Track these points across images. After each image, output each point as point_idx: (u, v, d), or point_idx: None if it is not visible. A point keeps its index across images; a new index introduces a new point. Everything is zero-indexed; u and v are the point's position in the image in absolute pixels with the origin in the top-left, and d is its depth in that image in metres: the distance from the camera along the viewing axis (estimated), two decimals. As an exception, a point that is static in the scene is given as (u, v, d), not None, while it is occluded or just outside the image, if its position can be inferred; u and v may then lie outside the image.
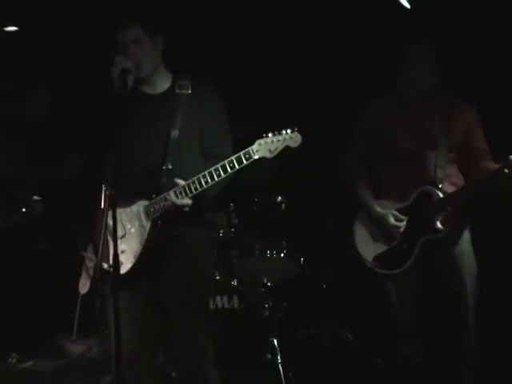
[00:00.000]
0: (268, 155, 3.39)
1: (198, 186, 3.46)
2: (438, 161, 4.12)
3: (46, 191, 6.77)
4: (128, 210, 3.60)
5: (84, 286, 3.74)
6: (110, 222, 3.42)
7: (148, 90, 3.76)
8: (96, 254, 3.39)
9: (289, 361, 5.29)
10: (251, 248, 5.66)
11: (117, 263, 3.16)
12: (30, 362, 6.04)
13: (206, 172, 3.44)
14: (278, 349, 5.30)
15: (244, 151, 3.40)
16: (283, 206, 5.77)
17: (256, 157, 3.39)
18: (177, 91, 3.68)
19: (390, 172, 4.24)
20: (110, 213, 3.33)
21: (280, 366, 5.23)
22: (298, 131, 3.42)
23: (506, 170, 3.79)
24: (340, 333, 5.70)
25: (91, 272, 3.67)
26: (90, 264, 3.69)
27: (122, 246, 3.51)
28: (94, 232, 3.51)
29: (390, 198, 4.20)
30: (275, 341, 5.34)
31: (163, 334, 3.86)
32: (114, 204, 3.18)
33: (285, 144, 3.41)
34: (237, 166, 3.41)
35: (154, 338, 3.77)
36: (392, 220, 4.10)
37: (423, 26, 5.02)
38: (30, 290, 6.40)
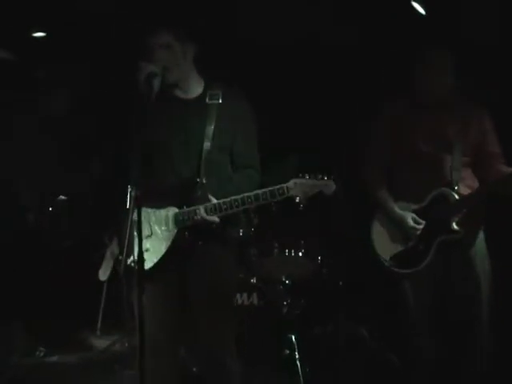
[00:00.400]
0: (300, 196, 3.39)
1: (229, 208, 3.47)
2: (454, 164, 4.10)
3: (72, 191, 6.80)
4: (157, 212, 3.60)
5: (104, 274, 3.80)
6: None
7: (180, 94, 3.73)
8: (121, 248, 3.44)
9: (306, 356, 5.27)
10: (270, 247, 5.68)
11: (141, 259, 3.14)
12: (56, 356, 6.05)
13: (238, 197, 3.44)
14: (295, 345, 5.30)
15: (279, 187, 3.39)
16: (301, 206, 5.75)
17: (289, 194, 3.38)
18: (208, 102, 3.66)
19: (406, 174, 4.21)
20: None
21: (298, 361, 5.22)
22: (333, 180, 3.40)
23: None
24: (355, 330, 5.74)
25: (111, 262, 3.72)
26: (111, 254, 3.73)
27: (146, 245, 3.52)
28: (120, 228, 3.49)
29: (406, 199, 4.17)
30: (293, 337, 5.35)
31: (185, 330, 3.83)
32: (139, 204, 3.15)
33: (319, 190, 3.40)
34: (269, 200, 3.42)
35: (176, 333, 3.75)
36: (411, 222, 4.09)
37: (440, 31, 4.97)
38: (57, 287, 6.42)
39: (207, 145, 3.59)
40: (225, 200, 3.47)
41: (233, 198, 3.46)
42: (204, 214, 3.47)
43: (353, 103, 5.95)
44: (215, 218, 3.49)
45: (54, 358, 6.01)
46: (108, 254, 3.75)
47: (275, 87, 6.12)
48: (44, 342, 6.09)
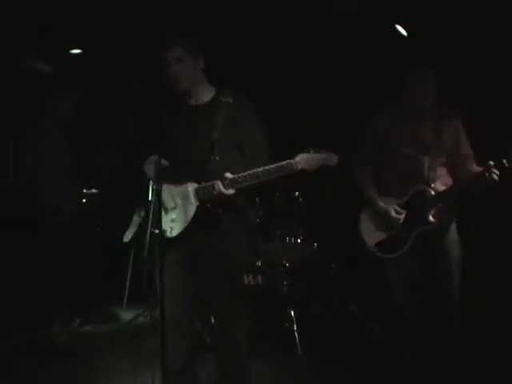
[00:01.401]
0: (308, 168, 3.37)
1: (243, 181, 3.44)
2: (431, 164, 4.12)
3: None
4: (179, 188, 3.59)
5: (127, 236, 3.75)
6: (162, 195, 3.45)
7: (192, 101, 3.74)
8: (146, 218, 3.36)
9: (303, 329, 5.34)
10: (273, 234, 5.77)
11: (162, 243, 3.19)
12: (89, 327, 6.14)
13: (251, 171, 3.43)
14: (294, 319, 5.38)
15: (287, 162, 3.37)
16: (300, 199, 5.84)
17: (298, 167, 3.37)
18: (220, 99, 3.65)
19: (391, 173, 4.24)
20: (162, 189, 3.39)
21: (296, 333, 5.30)
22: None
23: (487, 174, 3.82)
24: (346, 305, 5.80)
25: (136, 227, 3.67)
26: (136, 220, 3.69)
27: (172, 215, 3.57)
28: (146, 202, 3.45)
29: (391, 195, 4.20)
30: (292, 312, 5.42)
31: (200, 304, 3.86)
32: (159, 197, 3.24)
33: (323, 162, 3.39)
34: (279, 173, 3.39)
35: (191, 306, 3.72)
36: (393, 213, 4.12)
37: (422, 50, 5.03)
38: (90, 267, 6.46)
39: (217, 133, 3.57)
40: (240, 174, 3.44)
41: (247, 172, 3.43)
42: (222, 188, 3.44)
43: (348, 111, 5.99)
44: (232, 191, 3.45)
45: (87, 328, 6.10)
46: (134, 219, 3.70)
47: (272, 89, 6.15)
48: (79, 314, 6.17)
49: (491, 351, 4.71)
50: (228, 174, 3.47)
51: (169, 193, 3.57)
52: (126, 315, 6.31)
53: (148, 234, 3.24)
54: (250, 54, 6.10)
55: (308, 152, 3.38)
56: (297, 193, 5.81)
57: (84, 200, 6.78)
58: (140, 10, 5.48)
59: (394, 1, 5.40)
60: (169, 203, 3.59)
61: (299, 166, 3.36)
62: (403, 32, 5.45)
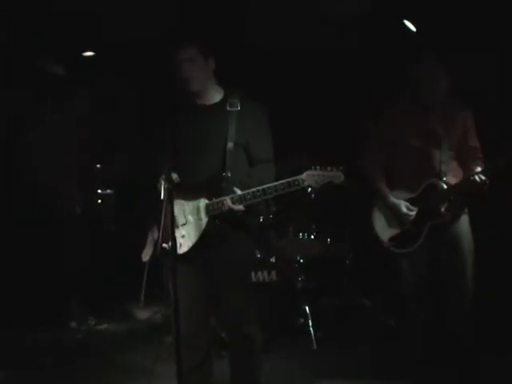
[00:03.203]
0: (314, 185, 3.36)
1: (252, 198, 3.44)
2: (442, 157, 4.11)
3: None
4: (190, 203, 3.59)
5: (146, 256, 3.78)
6: (175, 210, 3.47)
7: (201, 101, 3.71)
8: (158, 234, 3.41)
9: (318, 324, 5.31)
10: (286, 231, 5.74)
11: (174, 243, 3.17)
12: (105, 325, 6.12)
13: (260, 188, 3.43)
14: (309, 314, 5.34)
15: (294, 178, 3.37)
16: (313, 195, 5.81)
17: (304, 185, 3.37)
18: (228, 109, 3.63)
19: (401, 167, 4.22)
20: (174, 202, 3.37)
21: (311, 328, 5.27)
22: (342, 171, 3.37)
23: (472, 178, 3.90)
24: (360, 300, 5.79)
25: (152, 245, 3.69)
26: (152, 239, 3.71)
27: (182, 232, 3.57)
28: (158, 216, 3.47)
29: (401, 189, 4.19)
30: (307, 307, 5.39)
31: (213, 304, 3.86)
32: (171, 195, 3.19)
33: (329, 180, 3.36)
34: (286, 190, 3.39)
35: (206, 307, 3.76)
36: (404, 209, 4.11)
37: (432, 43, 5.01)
38: (105, 265, 6.48)
39: (230, 144, 3.56)
40: (248, 191, 3.44)
41: (255, 188, 3.44)
42: (230, 204, 3.45)
43: (354, 105, 5.96)
44: (241, 207, 3.47)
45: (104, 326, 6.08)
46: (149, 238, 3.73)
47: (281, 90, 6.12)
48: (95, 313, 6.15)
49: (503, 342, 4.69)
50: (237, 190, 3.48)
51: (180, 208, 3.58)
52: (143, 313, 6.30)
53: (158, 250, 3.36)
54: (257, 57, 6.09)
55: (315, 169, 3.37)
56: (309, 189, 5.77)
57: (99, 200, 6.77)
58: (150, 11, 5.49)
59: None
60: (180, 219, 3.59)
61: (306, 183, 3.37)
62: (412, 28, 5.40)
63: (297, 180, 3.37)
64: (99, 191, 6.86)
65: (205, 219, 3.55)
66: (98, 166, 6.79)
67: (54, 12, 5.47)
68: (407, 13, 5.51)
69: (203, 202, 3.56)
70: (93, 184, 6.76)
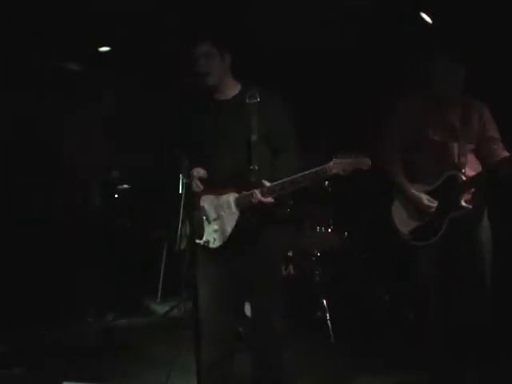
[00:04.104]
0: (342, 173, 3.29)
1: (281, 189, 3.40)
2: (461, 150, 4.08)
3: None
4: (221, 198, 3.57)
5: (182, 245, 3.98)
6: (205, 205, 3.54)
7: (219, 96, 3.69)
8: (188, 229, 3.43)
9: (336, 317, 5.31)
10: (304, 224, 5.75)
11: (193, 239, 3.26)
12: (123, 320, 6.13)
13: (288, 179, 3.37)
14: (326, 308, 5.35)
15: (322, 167, 3.30)
16: (330, 189, 5.79)
17: (331, 173, 3.30)
18: (247, 101, 3.60)
19: (420, 160, 4.18)
20: (204, 197, 3.50)
21: (328, 321, 5.27)
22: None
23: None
24: (378, 293, 5.78)
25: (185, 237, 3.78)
26: (184, 231, 3.78)
27: (215, 226, 3.57)
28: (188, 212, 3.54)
29: (420, 182, 4.15)
30: (324, 301, 5.40)
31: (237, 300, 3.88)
32: (189, 190, 3.25)
33: (357, 166, 3.29)
34: (315, 179, 3.34)
35: (230, 302, 3.70)
36: (426, 201, 4.07)
37: (449, 35, 4.96)
38: (123, 261, 6.47)
39: (254, 138, 3.53)
40: (277, 182, 3.40)
41: (284, 180, 3.38)
42: (260, 197, 3.41)
43: (371, 99, 5.93)
44: (270, 199, 3.42)
45: (122, 321, 6.10)
46: (183, 231, 3.80)
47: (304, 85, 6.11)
48: (113, 308, 6.16)
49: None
50: (266, 182, 3.45)
51: (211, 203, 3.58)
52: (161, 309, 6.32)
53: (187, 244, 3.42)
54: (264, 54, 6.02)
55: (341, 157, 3.31)
56: (326, 182, 5.76)
57: (116, 195, 6.78)
58: (164, 9, 5.47)
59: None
60: (211, 214, 3.59)
61: (333, 171, 3.30)
62: (428, 19, 5.34)
63: (324, 168, 3.31)
64: (117, 186, 6.87)
65: (237, 213, 3.52)
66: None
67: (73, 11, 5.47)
68: (421, 4, 5.46)
69: (233, 196, 3.54)
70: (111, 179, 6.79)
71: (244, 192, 3.50)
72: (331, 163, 3.29)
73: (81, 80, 6.42)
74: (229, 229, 3.54)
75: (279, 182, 3.40)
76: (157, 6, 5.46)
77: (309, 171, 3.35)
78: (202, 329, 3.23)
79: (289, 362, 3.90)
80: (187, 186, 3.31)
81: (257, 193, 3.43)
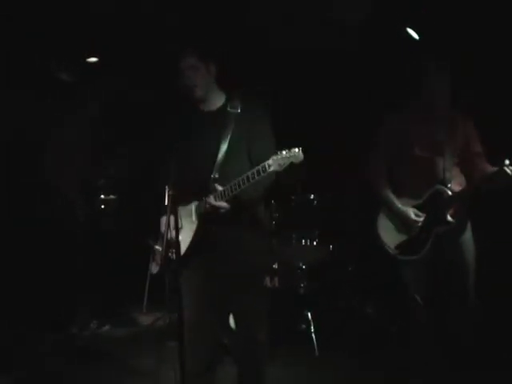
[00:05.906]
0: (278, 169, 3.27)
1: (230, 192, 3.40)
2: (446, 165, 4.08)
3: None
4: (185, 208, 3.58)
5: (154, 269, 3.85)
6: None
7: (204, 107, 3.69)
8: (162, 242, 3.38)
9: (320, 330, 5.26)
10: (289, 237, 5.72)
11: (178, 250, 3.21)
12: (107, 327, 6.09)
13: (235, 181, 3.38)
14: (311, 320, 5.31)
15: (262, 165, 3.29)
16: (315, 202, 5.77)
17: (270, 170, 3.27)
18: (228, 109, 3.61)
19: (406, 174, 4.18)
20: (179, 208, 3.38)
21: (313, 334, 5.23)
22: (303, 151, 3.26)
23: (508, 171, 3.75)
24: (363, 307, 5.74)
25: (158, 258, 3.73)
26: (157, 252, 3.77)
27: (181, 236, 3.50)
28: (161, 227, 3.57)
29: (407, 196, 4.14)
30: (309, 314, 5.34)
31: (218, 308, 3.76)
32: (175, 201, 3.18)
33: (290, 160, 3.27)
34: (256, 177, 3.32)
35: (212, 312, 3.66)
36: (413, 215, 4.07)
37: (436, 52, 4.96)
38: (107, 270, 6.40)
39: (224, 146, 3.54)
40: (226, 186, 3.41)
41: (231, 183, 3.39)
42: (212, 201, 3.43)
43: (361, 112, 5.92)
44: (223, 203, 3.43)
45: (106, 329, 6.05)
46: (156, 251, 3.78)
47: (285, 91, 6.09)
48: (97, 317, 6.11)
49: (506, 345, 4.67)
50: (218, 187, 3.47)
51: (180, 214, 3.50)
52: (146, 319, 6.25)
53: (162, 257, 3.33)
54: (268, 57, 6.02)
55: (280, 153, 3.29)
56: (312, 195, 5.74)
57: (102, 206, 6.71)
58: (154, 16, 5.49)
59: (405, 4, 5.29)
60: (180, 224, 3.49)
61: (271, 168, 3.28)
62: (415, 35, 5.35)
63: (264, 166, 3.29)
64: (102, 196, 6.79)
65: (195, 221, 3.56)
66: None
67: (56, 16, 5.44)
68: (409, 20, 5.46)
69: (194, 205, 3.58)
70: (96, 189, 6.72)
71: (203, 199, 3.52)
72: (270, 160, 3.28)
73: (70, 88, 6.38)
74: (188, 238, 3.55)
75: (228, 185, 3.42)
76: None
77: (250, 171, 3.35)
78: (187, 340, 3.18)
79: (273, 375, 3.86)
80: (172, 197, 3.26)
81: (210, 198, 3.46)
